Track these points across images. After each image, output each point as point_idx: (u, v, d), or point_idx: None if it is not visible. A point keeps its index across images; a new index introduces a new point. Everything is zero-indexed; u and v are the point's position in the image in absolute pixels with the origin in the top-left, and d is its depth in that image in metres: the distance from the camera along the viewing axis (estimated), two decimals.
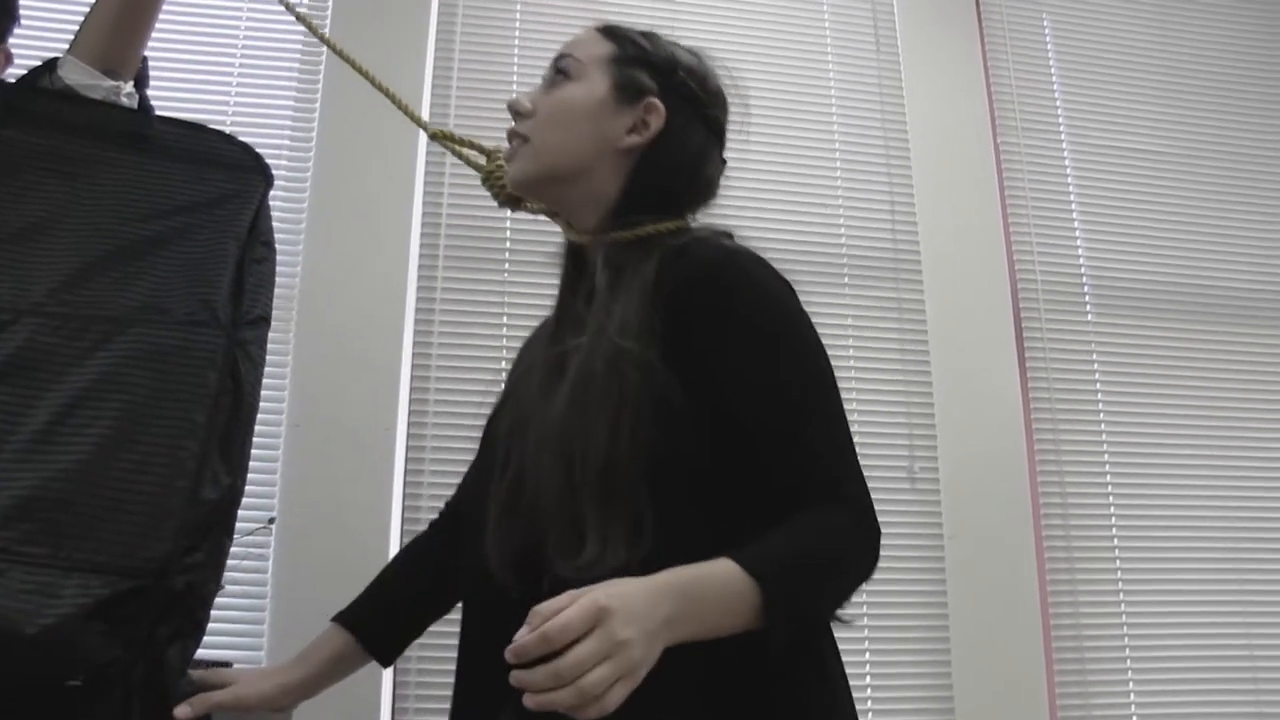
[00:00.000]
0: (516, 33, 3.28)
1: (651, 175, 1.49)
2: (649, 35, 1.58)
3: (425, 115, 3.11)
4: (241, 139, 1.61)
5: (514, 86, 3.20)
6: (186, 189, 1.50)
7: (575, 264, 1.55)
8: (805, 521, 1.23)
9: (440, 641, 2.75)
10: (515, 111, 1.55)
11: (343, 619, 1.71)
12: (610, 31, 1.58)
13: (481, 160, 1.69)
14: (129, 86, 1.58)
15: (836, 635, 1.38)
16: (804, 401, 1.31)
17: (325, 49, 3.06)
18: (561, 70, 1.54)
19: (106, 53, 1.57)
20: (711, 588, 1.14)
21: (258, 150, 1.60)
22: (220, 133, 1.59)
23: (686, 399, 1.29)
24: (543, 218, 1.67)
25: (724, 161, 1.61)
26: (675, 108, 1.51)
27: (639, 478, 1.24)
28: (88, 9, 1.63)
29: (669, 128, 1.50)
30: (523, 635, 1.03)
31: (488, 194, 3.04)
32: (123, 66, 1.59)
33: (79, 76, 1.54)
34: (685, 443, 1.29)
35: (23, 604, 1.22)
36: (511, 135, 1.55)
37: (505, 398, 1.61)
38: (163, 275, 1.43)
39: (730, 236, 1.48)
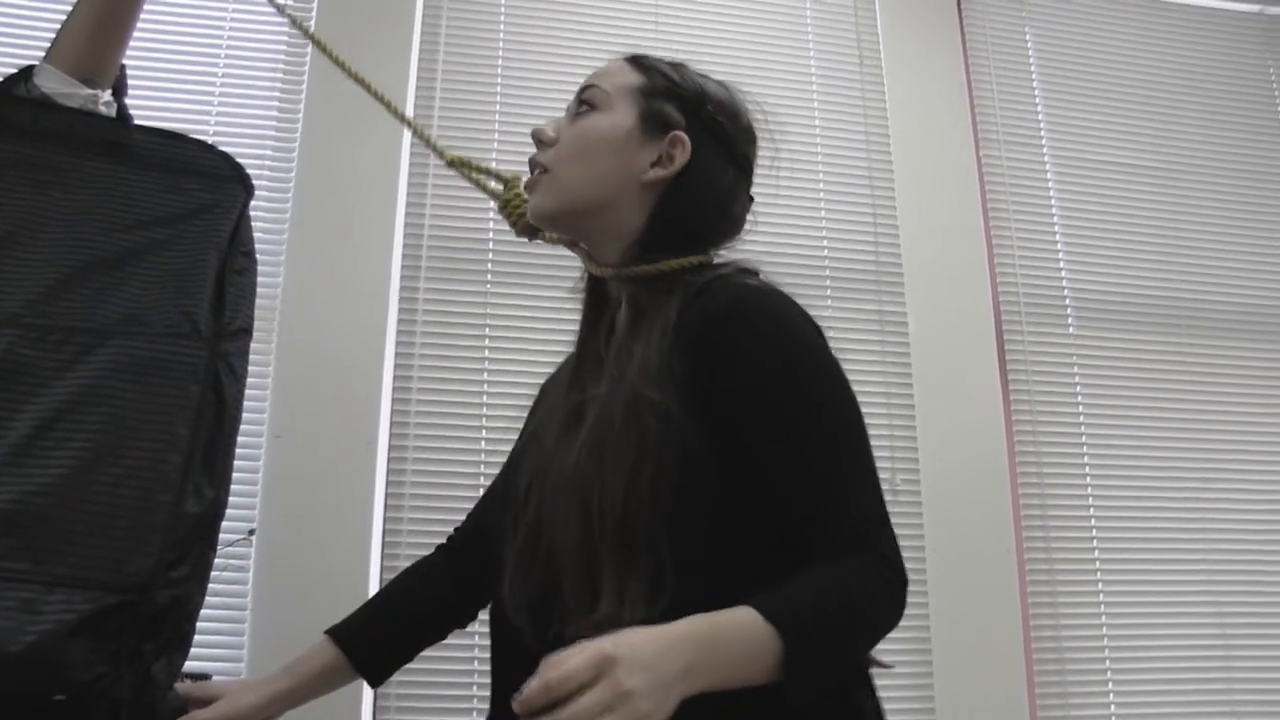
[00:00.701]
0: (500, 31, 3.28)
1: (675, 210, 1.44)
2: (678, 66, 1.54)
3: (410, 110, 3.11)
4: (223, 149, 1.59)
5: (498, 93, 3.20)
6: (166, 199, 1.48)
7: (596, 298, 1.52)
8: (828, 571, 1.20)
9: (426, 653, 2.74)
10: (538, 140, 1.51)
11: (336, 635, 1.65)
12: (638, 62, 1.54)
13: (499, 188, 1.64)
14: (107, 95, 1.55)
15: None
16: (832, 448, 1.27)
17: (308, 61, 3.06)
18: (587, 101, 1.50)
19: (84, 61, 1.54)
20: (731, 636, 1.11)
21: (240, 161, 1.58)
22: (200, 142, 1.56)
23: (708, 446, 1.25)
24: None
25: (751, 199, 1.57)
26: (701, 142, 1.47)
27: (658, 530, 1.20)
28: (65, 16, 1.60)
29: (694, 162, 1.45)
30: (529, 685, 0.99)
31: (471, 205, 3.06)
32: (100, 75, 1.56)
33: (56, 84, 1.51)
34: (706, 493, 1.24)
35: (5, 621, 1.21)
36: (533, 164, 1.51)
37: (528, 436, 1.56)
38: (143, 287, 1.41)
39: (756, 274, 1.44)
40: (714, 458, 1.25)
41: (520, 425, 1.66)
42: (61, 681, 1.24)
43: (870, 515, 1.27)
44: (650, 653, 1.03)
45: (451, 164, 1.66)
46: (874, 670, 1.32)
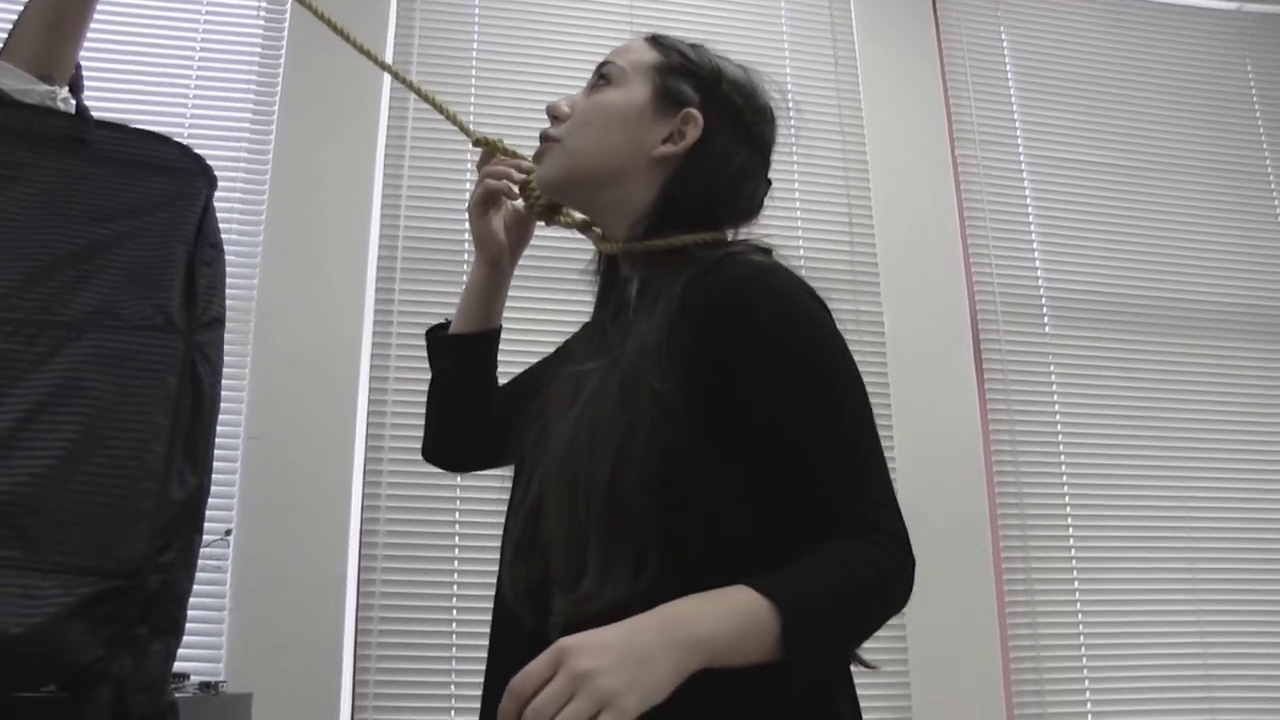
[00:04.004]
0: (475, 27, 3.29)
1: (685, 187, 1.42)
2: (696, 47, 1.53)
3: (383, 120, 3.13)
4: (195, 147, 1.58)
5: (472, 84, 3.22)
6: (128, 192, 1.47)
7: (609, 276, 1.50)
8: (833, 548, 1.16)
9: (405, 644, 2.74)
10: (553, 115, 1.50)
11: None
12: (657, 41, 1.53)
13: (525, 164, 1.63)
14: (64, 91, 1.54)
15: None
16: (838, 429, 1.23)
17: (283, 62, 3.06)
18: (603, 76, 1.49)
19: (39, 57, 1.53)
20: (721, 610, 1.08)
21: (214, 163, 1.58)
22: (160, 136, 1.53)
23: (703, 426, 1.22)
24: (562, 233, 1.62)
25: (769, 181, 1.53)
26: (715, 120, 1.44)
27: (645, 509, 1.18)
28: (18, 12, 1.57)
29: (707, 139, 1.42)
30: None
31: (446, 206, 3.06)
32: (57, 70, 1.54)
33: (12, 81, 1.49)
34: (697, 474, 1.22)
35: (5, 606, 1.22)
36: (544, 137, 1.50)
37: (536, 409, 1.45)
38: (112, 280, 1.40)
39: (768, 252, 1.39)
40: (708, 437, 1.22)
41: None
42: (63, 663, 1.25)
43: (877, 495, 1.23)
44: (612, 635, 1.03)
45: (477, 143, 1.64)
46: (855, 671, 1.29)
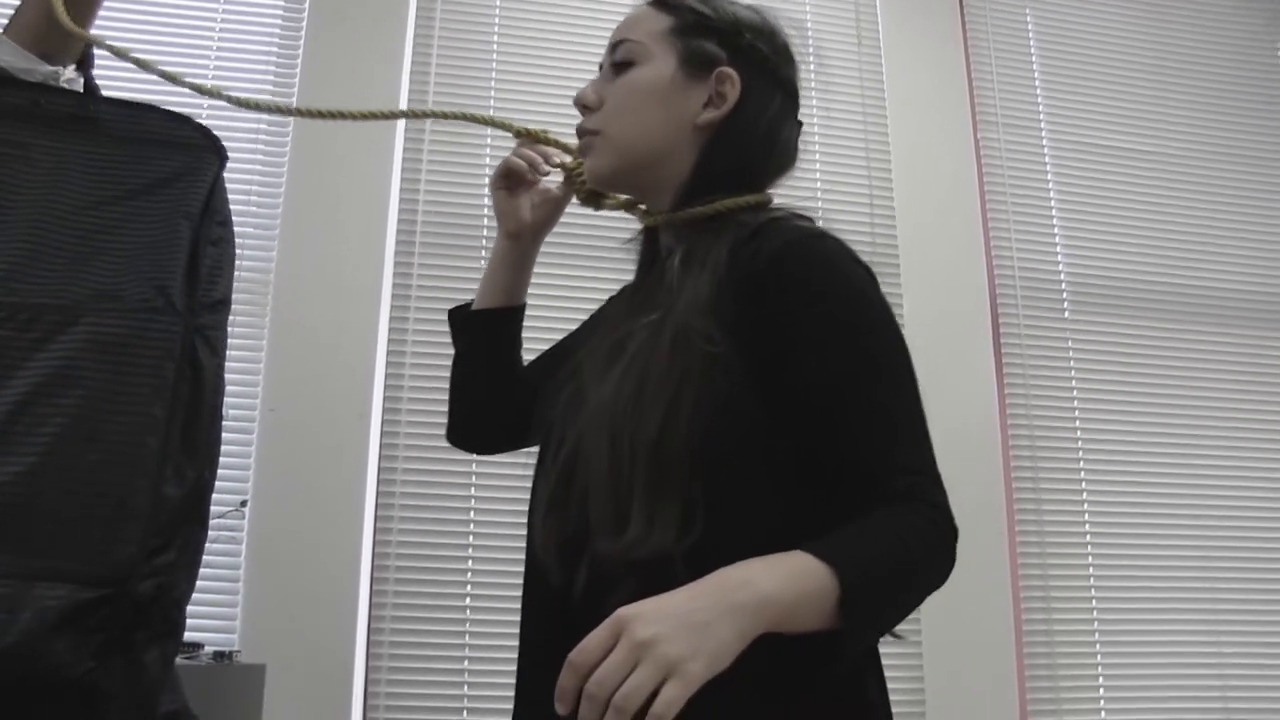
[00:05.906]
0: (496, 18, 3.29)
1: (727, 148, 1.39)
2: None
3: (404, 97, 3.12)
4: (216, 126, 1.55)
5: (493, 69, 3.21)
6: (134, 171, 1.43)
7: (650, 249, 1.48)
8: (882, 518, 1.15)
9: (416, 645, 2.76)
10: (583, 105, 1.45)
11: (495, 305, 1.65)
12: (662, 3, 1.47)
13: (567, 159, 1.60)
14: (70, 71, 1.49)
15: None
16: (884, 396, 1.22)
17: (303, 35, 3.07)
18: (622, 58, 1.43)
19: (45, 36, 1.49)
20: (782, 573, 1.06)
21: (235, 137, 1.55)
22: (170, 112, 1.50)
23: (751, 389, 1.21)
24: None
25: (800, 124, 1.49)
26: (748, 73, 1.39)
27: (692, 465, 1.17)
28: None
29: (745, 96, 1.39)
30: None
31: (465, 181, 3.06)
32: (62, 50, 1.51)
33: (14, 60, 1.47)
34: (747, 433, 1.21)
35: None
36: (582, 132, 1.45)
37: (570, 369, 1.43)
38: (114, 261, 1.37)
39: (810, 219, 1.36)
40: (756, 400, 1.21)
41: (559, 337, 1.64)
42: (49, 678, 1.21)
43: (921, 465, 1.22)
44: (671, 602, 1.01)
45: (519, 134, 1.60)
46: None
